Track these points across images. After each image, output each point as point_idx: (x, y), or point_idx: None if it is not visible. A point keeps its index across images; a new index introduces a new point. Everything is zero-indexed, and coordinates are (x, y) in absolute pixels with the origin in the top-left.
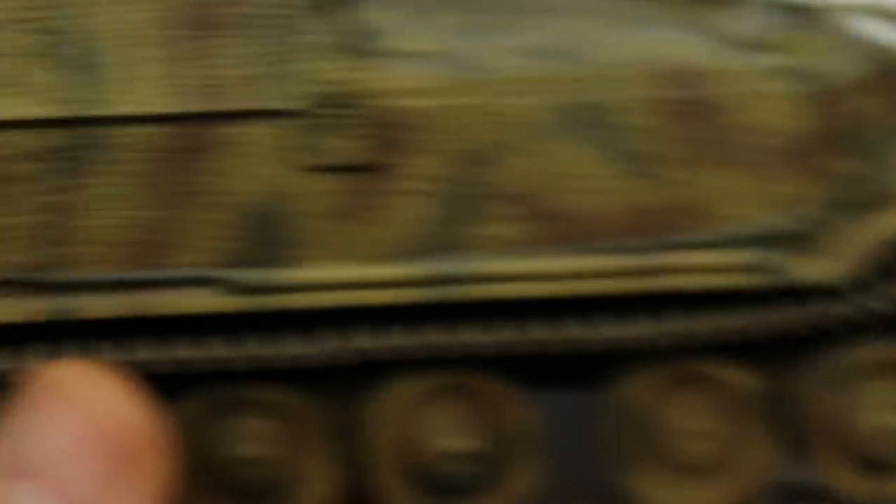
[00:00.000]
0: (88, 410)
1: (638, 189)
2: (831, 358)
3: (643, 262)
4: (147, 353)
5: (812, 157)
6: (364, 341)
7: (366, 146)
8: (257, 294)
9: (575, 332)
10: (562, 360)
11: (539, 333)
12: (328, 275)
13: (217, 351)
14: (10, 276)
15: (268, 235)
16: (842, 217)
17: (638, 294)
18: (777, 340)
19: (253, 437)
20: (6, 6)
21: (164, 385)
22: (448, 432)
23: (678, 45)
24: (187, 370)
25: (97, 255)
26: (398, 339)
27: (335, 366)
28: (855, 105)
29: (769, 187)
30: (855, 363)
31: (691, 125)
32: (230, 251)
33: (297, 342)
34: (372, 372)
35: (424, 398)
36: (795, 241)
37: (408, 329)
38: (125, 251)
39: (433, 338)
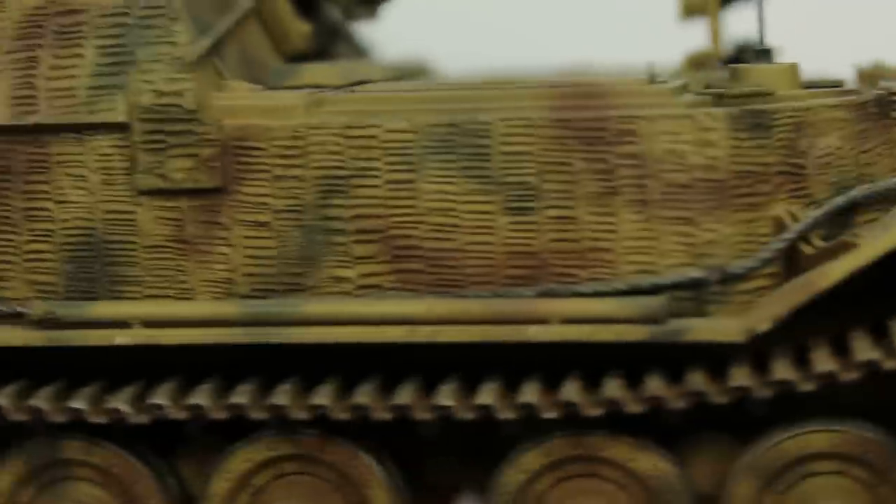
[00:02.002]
0: None
1: (520, 228)
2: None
3: (514, 307)
4: None
5: (738, 198)
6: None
7: (204, 167)
8: (66, 329)
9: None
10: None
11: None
12: (144, 311)
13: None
14: None
15: (94, 267)
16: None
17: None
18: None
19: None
20: None
21: None
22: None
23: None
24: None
25: None
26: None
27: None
28: (805, 141)
29: (681, 231)
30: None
31: (587, 153)
32: (53, 284)
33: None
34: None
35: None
36: (702, 293)
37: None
38: None
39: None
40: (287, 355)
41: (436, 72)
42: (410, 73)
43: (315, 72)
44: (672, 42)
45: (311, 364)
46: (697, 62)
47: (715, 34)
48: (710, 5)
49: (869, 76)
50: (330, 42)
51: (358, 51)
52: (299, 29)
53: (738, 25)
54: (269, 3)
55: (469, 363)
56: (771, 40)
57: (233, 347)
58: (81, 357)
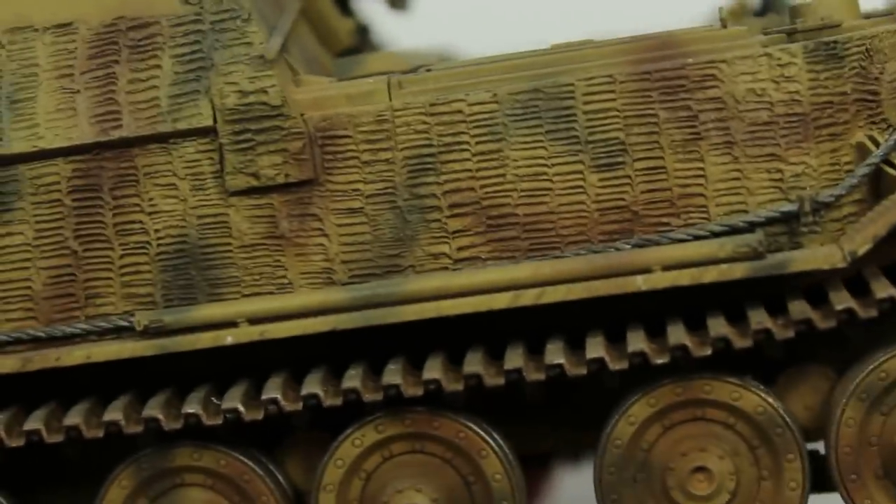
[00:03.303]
0: None
1: (610, 184)
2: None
3: (614, 261)
4: None
5: (821, 129)
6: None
7: (294, 161)
8: (172, 335)
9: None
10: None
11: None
12: (249, 308)
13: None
14: None
15: (191, 273)
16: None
17: (611, 300)
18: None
19: None
20: None
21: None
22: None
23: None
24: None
25: (11, 313)
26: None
27: None
28: (876, 67)
29: (769, 167)
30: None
31: (670, 103)
32: (151, 295)
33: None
34: None
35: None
36: (795, 225)
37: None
38: (40, 305)
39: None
40: (388, 337)
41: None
42: (447, 59)
43: (379, 60)
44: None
45: (413, 343)
46: (734, 14)
47: None
48: None
49: None
50: (364, 36)
51: (381, 43)
52: (344, 26)
53: None
54: (316, 3)
55: (569, 326)
56: None
57: (332, 336)
58: (172, 364)
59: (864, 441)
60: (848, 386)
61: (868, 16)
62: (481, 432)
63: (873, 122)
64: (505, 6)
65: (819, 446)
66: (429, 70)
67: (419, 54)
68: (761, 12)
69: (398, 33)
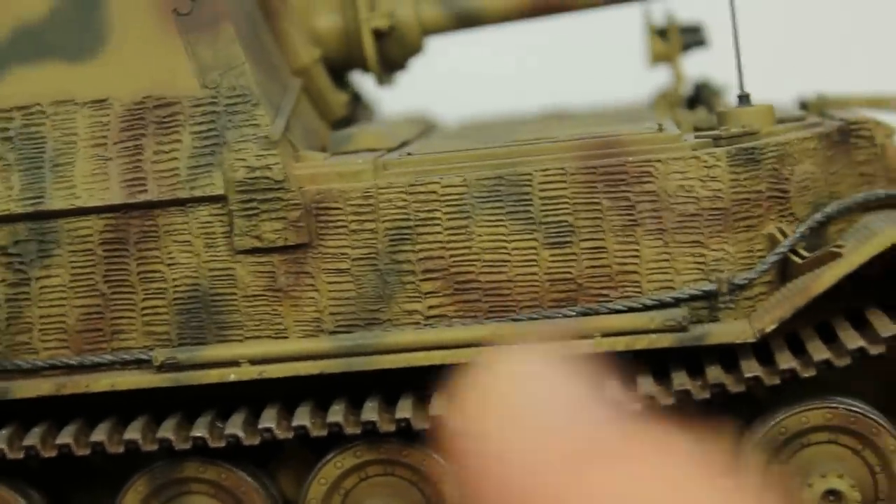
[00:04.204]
0: None
1: (560, 259)
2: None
3: (562, 327)
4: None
5: (738, 221)
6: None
7: (292, 227)
8: (184, 371)
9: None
10: None
11: None
12: (250, 351)
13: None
14: None
15: (201, 316)
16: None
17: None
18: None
19: None
20: None
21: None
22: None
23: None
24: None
25: (47, 343)
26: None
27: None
28: (786, 170)
29: (693, 252)
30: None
31: (612, 193)
32: (167, 333)
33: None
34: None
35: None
36: (714, 302)
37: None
38: (72, 337)
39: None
40: (367, 378)
41: (440, 122)
42: (427, 126)
43: (366, 137)
44: (633, 81)
45: (388, 383)
46: (667, 100)
47: (678, 76)
48: (673, 53)
49: (814, 107)
50: (355, 105)
51: (371, 109)
52: (339, 100)
53: (694, 68)
54: (314, 81)
55: None
56: (720, 77)
57: (320, 376)
58: (183, 392)
59: (766, 486)
60: (753, 438)
61: (782, 121)
62: (443, 461)
63: (783, 216)
64: (479, 76)
65: None
66: (409, 154)
67: (402, 123)
68: (693, 100)
69: (385, 101)
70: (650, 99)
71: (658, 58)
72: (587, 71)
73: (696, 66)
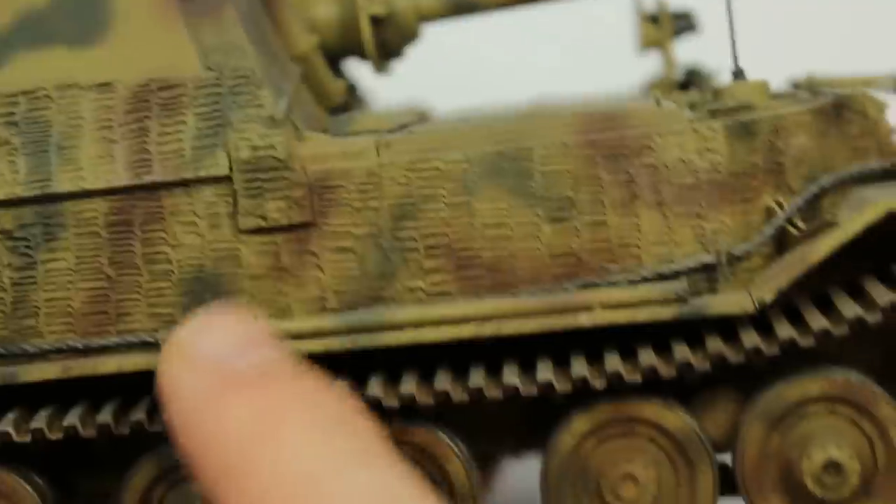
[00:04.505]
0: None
1: (561, 234)
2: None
3: (562, 300)
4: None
5: (736, 193)
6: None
7: (296, 206)
8: None
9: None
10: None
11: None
12: None
13: None
14: None
15: (206, 297)
16: (766, 250)
17: (558, 332)
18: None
19: None
20: None
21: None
22: None
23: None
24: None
25: (53, 326)
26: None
27: None
28: (782, 142)
29: (692, 224)
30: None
31: (612, 167)
32: (172, 315)
33: None
34: None
35: None
36: (713, 274)
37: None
38: (78, 321)
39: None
40: (370, 356)
41: (434, 111)
42: (423, 114)
43: (367, 120)
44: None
45: (391, 360)
46: (661, 87)
47: (669, 62)
48: (665, 39)
49: (804, 87)
50: (351, 93)
51: (365, 101)
52: (337, 87)
53: (684, 54)
54: (312, 68)
55: (524, 352)
56: (713, 59)
57: (323, 353)
58: None
59: (764, 456)
60: (754, 409)
61: (776, 96)
62: (448, 440)
63: (779, 189)
64: (473, 66)
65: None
66: (411, 132)
67: (399, 112)
68: (684, 86)
69: (379, 90)
70: (642, 87)
71: (649, 43)
72: (576, 59)
73: (684, 52)
